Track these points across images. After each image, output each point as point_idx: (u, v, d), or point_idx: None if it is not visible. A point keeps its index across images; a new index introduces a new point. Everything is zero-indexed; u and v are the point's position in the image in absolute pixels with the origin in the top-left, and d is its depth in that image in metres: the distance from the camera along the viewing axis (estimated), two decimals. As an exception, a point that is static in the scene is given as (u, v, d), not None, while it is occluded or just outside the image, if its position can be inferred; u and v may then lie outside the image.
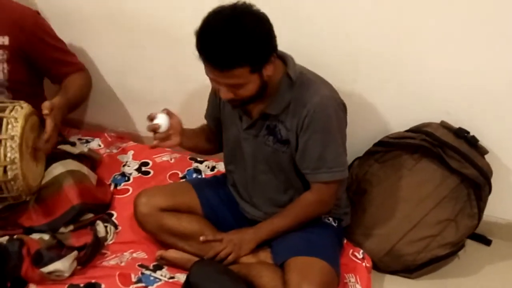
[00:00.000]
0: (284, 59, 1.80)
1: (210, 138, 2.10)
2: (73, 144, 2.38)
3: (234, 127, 1.94)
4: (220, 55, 1.61)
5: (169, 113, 1.86)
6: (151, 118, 1.84)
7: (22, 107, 1.98)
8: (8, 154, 1.90)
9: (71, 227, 2.07)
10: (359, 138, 2.17)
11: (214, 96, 2.01)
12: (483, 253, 2.22)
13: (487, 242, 2.25)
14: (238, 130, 1.93)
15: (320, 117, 1.76)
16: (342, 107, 1.85)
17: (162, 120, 1.82)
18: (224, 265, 1.92)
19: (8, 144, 1.90)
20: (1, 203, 2.04)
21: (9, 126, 1.92)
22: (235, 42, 1.59)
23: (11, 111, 1.96)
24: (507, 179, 2.15)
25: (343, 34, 2.10)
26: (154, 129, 1.83)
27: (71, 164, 2.18)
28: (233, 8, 1.64)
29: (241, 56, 1.61)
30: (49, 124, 1.98)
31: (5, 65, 2.18)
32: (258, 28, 1.63)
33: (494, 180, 2.08)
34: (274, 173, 1.93)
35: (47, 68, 2.30)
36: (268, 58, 1.67)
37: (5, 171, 1.91)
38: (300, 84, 1.78)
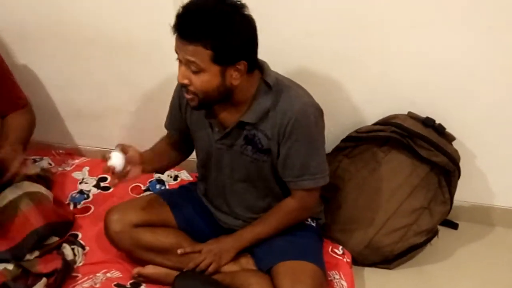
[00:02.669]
0: (260, 65, 1.76)
1: (173, 150, 2.03)
2: (24, 165, 2.24)
3: (205, 136, 1.88)
4: (188, 23, 1.58)
5: (123, 148, 1.77)
6: (105, 158, 1.75)
7: None
8: None
9: (36, 253, 1.96)
10: (326, 135, 2.17)
11: (177, 105, 1.94)
12: (452, 236, 2.28)
13: (454, 226, 2.32)
14: (210, 140, 1.87)
15: (302, 125, 1.74)
16: (320, 112, 1.83)
17: (116, 161, 1.73)
18: (208, 276, 1.87)
19: None
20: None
21: None
22: (209, 18, 1.57)
23: None
24: (471, 164, 2.22)
25: (303, 33, 2.09)
26: (110, 171, 1.75)
27: (27, 186, 2.06)
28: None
29: (207, 33, 1.57)
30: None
31: None
32: (240, 25, 1.61)
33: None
34: (252, 181, 1.90)
35: None
36: (237, 61, 1.62)
37: None
38: (278, 91, 1.75)
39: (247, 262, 1.93)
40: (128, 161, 1.76)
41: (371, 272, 2.12)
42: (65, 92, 2.52)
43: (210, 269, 1.88)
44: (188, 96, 1.70)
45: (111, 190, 2.37)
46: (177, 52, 1.64)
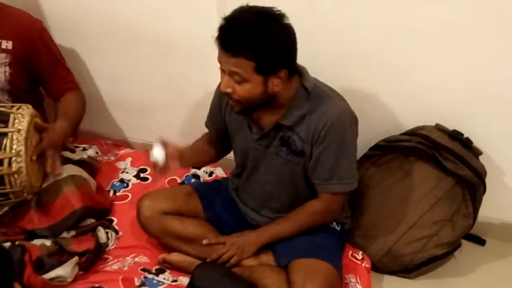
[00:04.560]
0: (299, 71, 1.83)
1: (211, 147, 2.13)
2: (72, 151, 2.40)
3: (243, 136, 1.96)
4: (231, 36, 1.65)
5: (164, 142, 1.88)
6: (148, 153, 1.89)
7: (28, 107, 2.06)
8: (14, 146, 1.95)
9: (73, 233, 2.09)
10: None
11: (217, 106, 2.02)
12: (478, 253, 2.26)
13: (481, 242, 2.29)
14: (247, 140, 1.94)
15: (336, 130, 1.79)
16: (355, 121, 1.88)
17: (157, 154, 1.86)
18: (227, 268, 1.95)
19: (14, 137, 1.95)
20: (2, 203, 2.06)
21: (16, 121, 1.98)
22: (251, 32, 1.64)
23: (18, 109, 2.03)
24: (500, 180, 2.20)
25: (338, 40, 2.14)
26: (153, 165, 1.88)
27: (71, 169, 2.21)
28: (268, 8, 1.69)
29: (250, 46, 1.64)
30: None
31: (7, 68, 2.22)
32: (280, 35, 1.67)
33: (487, 181, 2.12)
34: (283, 184, 1.96)
35: (45, 79, 2.33)
36: (278, 70, 1.69)
37: (9, 164, 1.94)
38: (316, 96, 1.81)
39: (268, 258, 1.99)
40: (167, 156, 1.87)
41: (390, 280, 2.14)
42: (115, 85, 2.66)
43: (232, 261, 1.95)
44: (232, 103, 1.79)
45: (149, 181, 2.49)
46: (220, 63, 1.71)
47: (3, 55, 2.21)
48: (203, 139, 2.15)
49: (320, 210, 1.93)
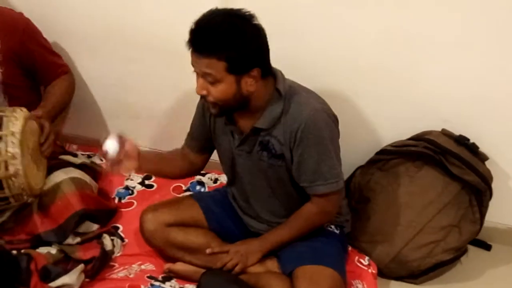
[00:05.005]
0: (273, 73, 1.83)
1: (182, 161, 2.10)
2: (74, 155, 2.41)
3: (227, 144, 1.96)
4: (202, 37, 1.67)
5: (120, 138, 1.84)
6: (101, 142, 1.84)
7: (22, 110, 2.03)
8: (9, 149, 1.92)
9: (78, 239, 2.08)
10: (361, 147, 2.21)
11: (201, 115, 2.01)
12: (484, 258, 2.26)
13: (487, 247, 2.29)
14: (231, 147, 1.95)
15: (312, 131, 1.78)
16: (333, 119, 1.87)
17: (109, 146, 1.81)
18: (233, 275, 1.94)
19: (9, 139, 1.93)
20: (4, 208, 2.05)
21: (10, 124, 1.96)
22: (220, 32, 1.65)
23: (11, 112, 2.00)
24: (506, 185, 2.21)
25: (343, 47, 2.15)
26: (103, 155, 1.84)
27: (72, 172, 2.20)
28: (237, 10, 1.71)
29: (220, 47, 1.65)
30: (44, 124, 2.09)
31: None
32: (250, 35, 1.69)
33: (493, 186, 2.12)
34: (272, 187, 1.96)
35: (39, 69, 2.32)
36: (250, 68, 1.70)
37: (6, 167, 1.93)
38: (290, 98, 1.81)
39: (273, 265, 1.99)
40: (124, 154, 1.83)
41: (397, 286, 2.14)
42: (117, 92, 2.64)
43: (237, 269, 1.95)
44: (209, 106, 1.80)
45: (154, 188, 2.49)
46: (193, 65, 1.72)
47: None
48: (177, 151, 2.12)
49: (315, 212, 1.93)
